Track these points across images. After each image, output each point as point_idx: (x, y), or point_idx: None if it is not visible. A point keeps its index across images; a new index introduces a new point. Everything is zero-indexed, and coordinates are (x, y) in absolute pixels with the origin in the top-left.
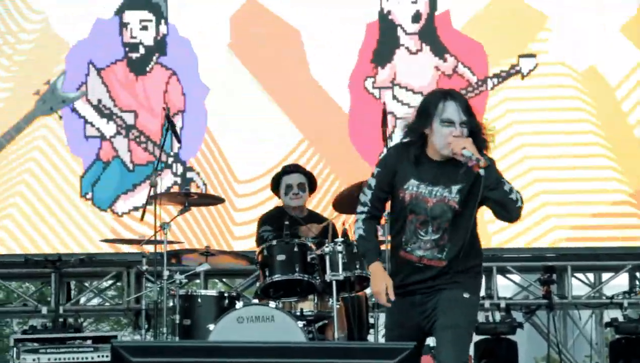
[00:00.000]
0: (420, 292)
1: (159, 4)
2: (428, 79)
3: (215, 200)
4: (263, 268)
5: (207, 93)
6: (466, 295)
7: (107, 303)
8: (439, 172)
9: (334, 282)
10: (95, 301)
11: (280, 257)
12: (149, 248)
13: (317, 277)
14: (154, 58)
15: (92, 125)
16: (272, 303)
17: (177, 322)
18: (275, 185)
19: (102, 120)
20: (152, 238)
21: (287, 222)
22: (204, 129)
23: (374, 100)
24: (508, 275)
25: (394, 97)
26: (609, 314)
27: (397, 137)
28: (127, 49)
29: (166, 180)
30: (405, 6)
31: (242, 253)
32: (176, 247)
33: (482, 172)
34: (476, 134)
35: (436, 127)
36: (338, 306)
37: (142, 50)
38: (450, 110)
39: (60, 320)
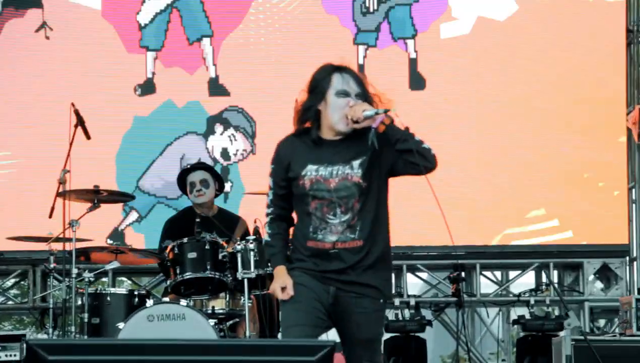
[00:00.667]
0: (335, 284)
1: None
2: None
3: (125, 197)
4: (174, 266)
5: None
6: (381, 301)
7: (9, 302)
8: (336, 150)
9: (245, 280)
10: None
11: (192, 255)
12: (57, 246)
13: (229, 275)
14: None
15: None
16: (183, 301)
17: (86, 320)
18: (182, 185)
19: None
20: (61, 236)
21: (198, 220)
22: None
23: None
24: (417, 273)
25: None
26: (516, 312)
27: None
28: None
29: None
30: None
31: (152, 252)
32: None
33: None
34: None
35: (331, 100)
36: (250, 304)
37: None
38: (344, 81)
39: None
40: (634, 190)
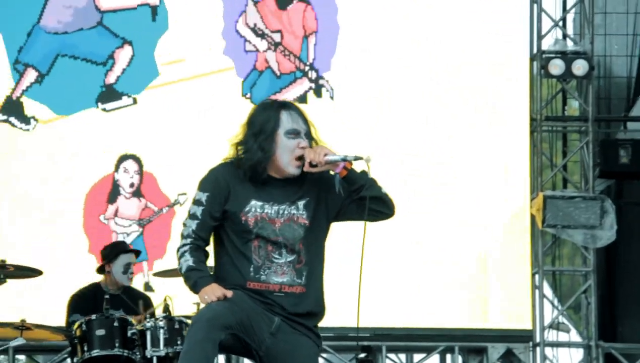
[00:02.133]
0: (281, 315)
1: None
2: None
3: (33, 273)
4: (81, 342)
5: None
6: (317, 353)
7: None
8: (280, 190)
9: (154, 358)
10: None
11: (100, 332)
12: None
13: (137, 353)
14: None
15: (250, 42)
16: None
17: None
18: (110, 258)
19: (257, 39)
20: None
21: (107, 297)
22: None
23: None
24: (324, 355)
25: None
26: None
27: None
28: None
29: (302, 87)
30: None
31: (59, 328)
32: None
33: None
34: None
35: (281, 140)
36: None
37: None
38: (293, 120)
39: None
40: (537, 275)
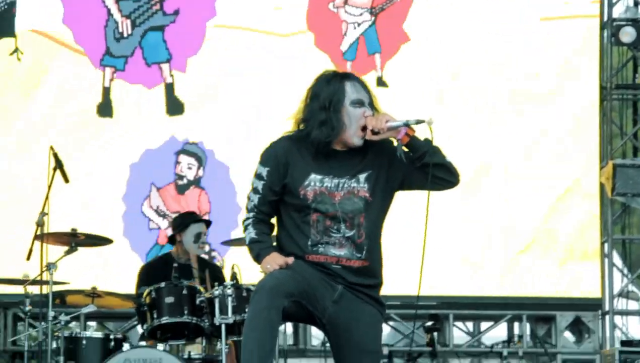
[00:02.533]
0: (343, 282)
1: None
2: None
3: (103, 241)
4: (151, 310)
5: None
6: (381, 321)
7: None
8: (342, 163)
9: (223, 325)
10: None
11: (169, 300)
12: (33, 289)
13: (206, 320)
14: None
15: (154, 222)
16: (159, 346)
17: None
18: (181, 229)
19: (159, 219)
20: (38, 279)
21: (175, 265)
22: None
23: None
24: (391, 323)
25: None
26: None
27: None
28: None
29: None
30: None
31: (129, 295)
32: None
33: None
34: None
35: (348, 111)
36: (227, 349)
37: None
38: (357, 90)
39: None
40: (606, 244)
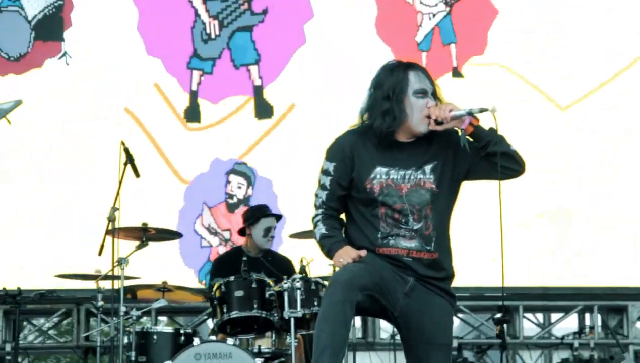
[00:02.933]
0: (414, 275)
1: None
2: None
3: (173, 235)
4: (220, 304)
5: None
6: (452, 313)
7: (49, 341)
8: (407, 154)
9: (292, 319)
10: (37, 339)
11: (238, 293)
12: (104, 284)
13: (275, 314)
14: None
15: (205, 240)
16: (229, 340)
17: (133, 359)
18: (252, 222)
19: (211, 236)
20: (109, 274)
21: (245, 258)
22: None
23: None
24: (460, 315)
25: None
26: (560, 355)
27: None
28: (227, 196)
29: None
30: None
31: (199, 290)
32: (133, 282)
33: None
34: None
35: (410, 101)
36: (296, 343)
37: (235, 199)
38: (420, 80)
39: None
40: None
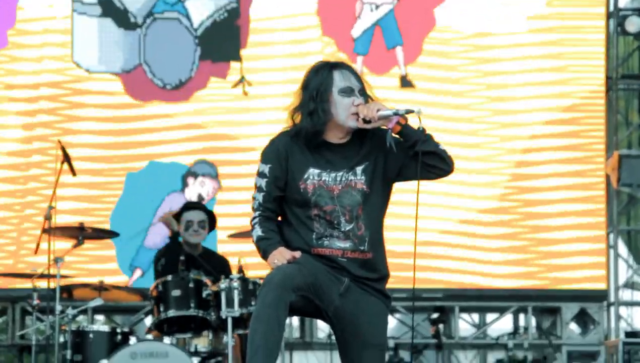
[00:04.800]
0: (349, 276)
1: None
2: None
3: (110, 234)
4: (158, 303)
5: None
6: (387, 314)
7: None
8: (339, 156)
9: (229, 319)
10: None
11: (176, 293)
12: (40, 282)
13: (212, 313)
14: None
15: None
16: (166, 339)
17: (69, 357)
18: (176, 219)
19: None
20: (45, 272)
21: (182, 258)
22: None
23: None
24: (397, 316)
25: None
26: (494, 355)
27: None
28: None
29: None
30: None
31: (135, 289)
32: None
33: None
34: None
35: (335, 99)
36: (233, 343)
37: None
38: (345, 78)
39: None
40: (611, 235)
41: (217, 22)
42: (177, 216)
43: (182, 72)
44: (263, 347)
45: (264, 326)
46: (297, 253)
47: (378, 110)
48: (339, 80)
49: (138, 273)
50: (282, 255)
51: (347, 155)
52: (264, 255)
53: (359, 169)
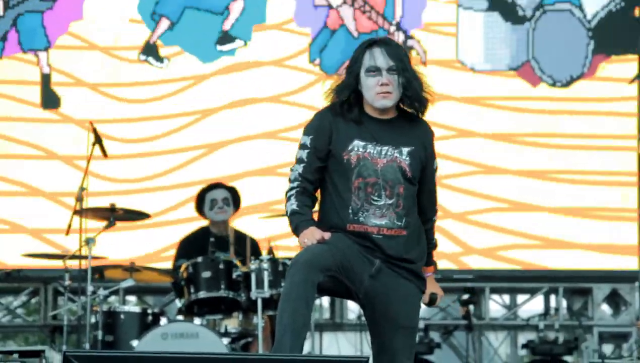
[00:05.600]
0: (382, 257)
1: None
2: None
3: (141, 216)
4: (188, 285)
5: None
6: (421, 293)
7: (17, 319)
8: (385, 130)
9: (259, 300)
10: (5, 317)
11: (206, 274)
12: (72, 263)
13: (242, 295)
14: None
15: None
16: (196, 320)
17: (100, 338)
18: (200, 202)
19: None
20: (77, 254)
21: (212, 239)
22: None
23: None
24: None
25: None
26: (525, 336)
27: None
28: None
29: None
30: None
31: (167, 270)
32: (100, 262)
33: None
34: (412, 84)
35: (362, 79)
36: (263, 324)
37: None
38: (376, 56)
39: None
40: None
41: (612, 13)
42: (200, 199)
43: (573, 67)
44: (291, 326)
45: (292, 305)
46: (327, 235)
47: (432, 305)
48: (367, 59)
49: (165, 24)
50: (312, 235)
51: (394, 132)
52: (296, 230)
53: (405, 150)
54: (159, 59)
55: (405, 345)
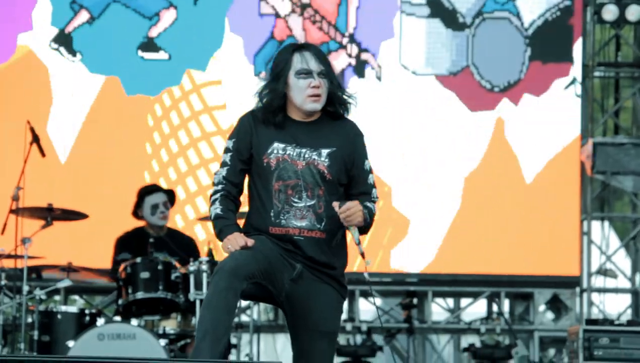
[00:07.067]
0: (303, 261)
1: None
2: None
3: (79, 216)
4: (126, 285)
5: None
6: (342, 298)
7: None
8: (305, 133)
9: (197, 301)
10: None
11: (144, 275)
12: (8, 262)
13: (181, 296)
14: None
15: (267, 2)
16: (134, 321)
17: (36, 338)
18: (138, 204)
19: None
20: (12, 253)
21: (151, 240)
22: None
23: None
24: (370, 299)
25: None
26: (467, 340)
27: None
28: None
29: (337, 63)
30: None
31: (104, 270)
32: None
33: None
34: (335, 90)
35: (292, 81)
36: None
37: None
38: (307, 59)
39: None
40: (585, 222)
41: (548, 21)
42: (138, 203)
43: (511, 73)
44: (211, 332)
45: (212, 312)
46: (250, 241)
47: (348, 221)
48: (297, 62)
49: (84, 16)
50: (236, 241)
51: (314, 134)
52: (219, 234)
53: (324, 151)
54: (72, 52)
55: (325, 351)
